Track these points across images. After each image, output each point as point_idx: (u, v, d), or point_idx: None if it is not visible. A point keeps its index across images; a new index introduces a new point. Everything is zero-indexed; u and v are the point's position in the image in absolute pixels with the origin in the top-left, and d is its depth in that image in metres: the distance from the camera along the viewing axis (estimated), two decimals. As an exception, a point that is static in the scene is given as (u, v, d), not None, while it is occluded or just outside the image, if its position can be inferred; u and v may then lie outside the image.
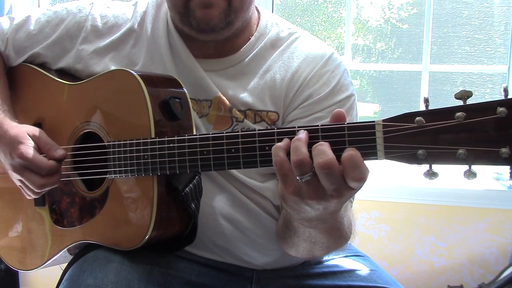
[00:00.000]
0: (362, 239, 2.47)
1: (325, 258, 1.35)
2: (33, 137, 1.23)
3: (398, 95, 2.83)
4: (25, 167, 1.21)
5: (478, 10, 2.58)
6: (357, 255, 1.40)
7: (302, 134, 0.87)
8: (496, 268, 2.35)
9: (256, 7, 1.33)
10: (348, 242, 1.17)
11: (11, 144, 1.22)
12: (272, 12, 2.63)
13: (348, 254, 1.38)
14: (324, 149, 0.84)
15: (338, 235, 1.11)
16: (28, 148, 1.21)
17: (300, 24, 2.81)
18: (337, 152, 0.83)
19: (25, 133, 1.23)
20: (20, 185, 1.26)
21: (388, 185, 2.49)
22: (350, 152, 0.83)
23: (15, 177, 1.24)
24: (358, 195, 0.96)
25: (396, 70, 2.81)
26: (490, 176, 2.51)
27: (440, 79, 2.67)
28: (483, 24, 2.58)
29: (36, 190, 1.23)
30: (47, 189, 1.24)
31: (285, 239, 1.17)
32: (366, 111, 2.90)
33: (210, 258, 1.27)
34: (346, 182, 0.84)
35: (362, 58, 2.85)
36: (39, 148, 1.23)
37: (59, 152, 1.23)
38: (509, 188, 2.42)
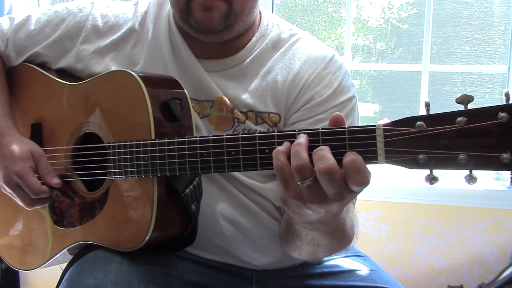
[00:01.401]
0: (362, 239, 2.44)
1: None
2: (35, 158, 1.25)
3: (398, 95, 2.83)
4: (18, 185, 1.23)
5: (478, 10, 2.58)
6: (357, 255, 1.40)
7: (302, 139, 0.86)
8: (496, 268, 2.35)
9: (257, 8, 1.33)
10: (351, 243, 1.17)
11: (11, 157, 1.23)
12: (272, 12, 2.63)
13: (348, 254, 1.38)
14: (324, 154, 0.83)
15: (340, 237, 1.10)
16: (26, 168, 1.23)
17: (300, 24, 2.80)
18: (338, 156, 0.83)
19: (29, 152, 1.25)
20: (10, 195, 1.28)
21: (388, 185, 2.49)
22: (352, 157, 0.82)
23: (6, 190, 1.26)
24: (358, 196, 0.96)
25: (396, 70, 2.81)
26: (490, 176, 2.51)
27: (440, 79, 2.67)
28: (483, 24, 2.58)
29: (26, 208, 1.26)
30: (36, 207, 1.27)
31: (288, 242, 1.17)
32: (366, 111, 2.90)
33: (210, 258, 1.27)
34: (348, 186, 0.83)
35: (362, 58, 2.85)
36: (36, 170, 1.25)
37: (55, 180, 1.25)
38: (509, 188, 2.42)
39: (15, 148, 1.24)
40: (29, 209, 1.27)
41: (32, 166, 1.24)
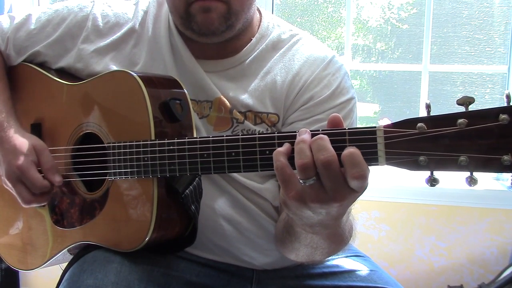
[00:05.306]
0: (362, 239, 2.45)
1: (325, 258, 1.35)
2: (37, 152, 1.24)
3: (398, 95, 2.83)
4: (19, 179, 1.22)
5: (478, 10, 2.58)
6: (357, 255, 1.40)
7: (306, 135, 0.85)
8: (496, 268, 2.35)
9: (258, 8, 1.33)
10: (348, 245, 1.17)
11: (14, 152, 1.23)
12: (272, 12, 2.63)
13: (348, 255, 1.38)
14: (325, 144, 0.82)
15: (339, 241, 1.10)
16: (28, 163, 1.22)
17: (300, 24, 2.80)
18: (338, 157, 0.82)
19: (31, 146, 1.24)
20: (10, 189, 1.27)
21: (388, 185, 2.49)
22: (349, 150, 0.81)
23: (7, 184, 1.26)
24: (359, 196, 0.96)
25: (396, 70, 2.81)
26: (490, 176, 2.51)
27: (440, 79, 2.67)
28: (483, 24, 2.58)
29: (24, 205, 1.25)
30: (33, 205, 1.27)
31: (285, 243, 1.16)
32: (366, 111, 2.90)
33: (210, 258, 1.27)
34: (347, 181, 0.83)
35: (362, 58, 2.85)
36: (39, 164, 1.24)
37: (56, 178, 1.24)
38: (509, 188, 2.42)
39: (18, 142, 1.24)
40: (26, 206, 1.26)
41: (35, 160, 1.23)
